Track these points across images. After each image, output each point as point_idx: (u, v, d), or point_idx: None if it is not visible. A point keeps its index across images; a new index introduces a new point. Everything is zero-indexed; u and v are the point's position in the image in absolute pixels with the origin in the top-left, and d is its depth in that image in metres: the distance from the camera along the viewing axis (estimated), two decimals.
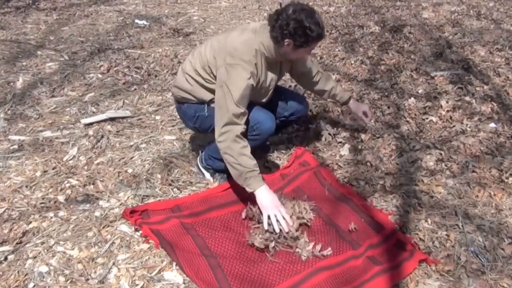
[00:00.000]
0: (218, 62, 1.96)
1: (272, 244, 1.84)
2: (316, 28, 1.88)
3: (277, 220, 1.88)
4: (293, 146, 2.59)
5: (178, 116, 2.41)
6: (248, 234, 1.91)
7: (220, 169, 2.24)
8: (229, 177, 2.30)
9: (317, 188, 2.24)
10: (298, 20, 1.86)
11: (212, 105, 2.09)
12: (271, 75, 2.10)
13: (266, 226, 1.89)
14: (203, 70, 2.04)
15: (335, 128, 2.74)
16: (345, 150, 2.55)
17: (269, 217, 1.89)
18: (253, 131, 2.05)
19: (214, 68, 1.99)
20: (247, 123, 2.00)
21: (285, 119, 2.38)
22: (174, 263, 1.81)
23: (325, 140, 2.65)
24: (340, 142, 2.63)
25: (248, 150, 1.92)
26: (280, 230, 1.88)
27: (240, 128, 1.91)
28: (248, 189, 1.93)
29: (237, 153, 1.89)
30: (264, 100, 2.17)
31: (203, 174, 2.34)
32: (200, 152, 2.38)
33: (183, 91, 2.15)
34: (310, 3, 5.34)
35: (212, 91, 2.05)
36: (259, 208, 1.97)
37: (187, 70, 2.11)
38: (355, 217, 2.05)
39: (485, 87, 3.21)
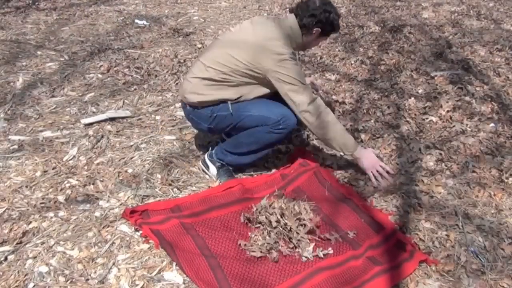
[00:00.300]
0: (263, 61, 2.04)
1: (273, 252, 1.84)
2: (338, 20, 2.18)
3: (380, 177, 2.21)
4: (293, 146, 2.59)
5: (185, 119, 2.41)
6: (245, 244, 1.89)
7: (230, 163, 2.30)
8: (232, 175, 2.32)
9: (317, 188, 2.24)
10: (327, 11, 2.11)
11: (235, 104, 2.14)
12: None
13: (375, 184, 2.23)
14: (235, 73, 2.08)
15: None
16: None
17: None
18: (279, 125, 2.11)
19: (254, 67, 2.06)
20: (269, 119, 2.11)
21: None
22: (174, 263, 1.81)
23: None
24: None
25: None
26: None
27: (318, 97, 2.15)
28: (347, 153, 2.21)
29: (334, 122, 2.14)
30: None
31: (207, 167, 2.34)
32: (210, 149, 2.39)
33: (203, 95, 2.14)
34: None
35: (243, 89, 2.13)
36: (257, 209, 1.98)
37: (211, 75, 2.11)
38: (354, 217, 2.05)
39: (485, 87, 3.21)
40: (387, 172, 2.21)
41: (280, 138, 2.20)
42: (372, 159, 2.21)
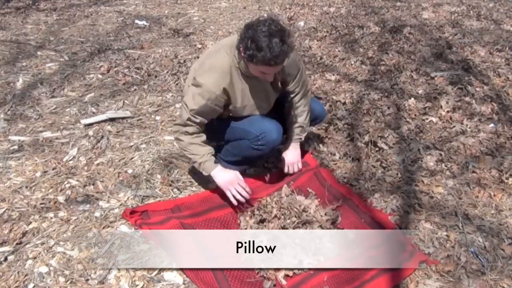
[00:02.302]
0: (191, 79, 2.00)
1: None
2: (266, 50, 1.71)
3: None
4: None
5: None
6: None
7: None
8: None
9: (317, 188, 2.24)
10: (256, 31, 1.74)
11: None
12: (259, 89, 2.03)
13: (234, 202, 2.01)
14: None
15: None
16: (344, 150, 2.55)
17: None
18: (258, 141, 2.03)
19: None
20: (250, 134, 2.03)
21: None
22: (174, 264, 1.80)
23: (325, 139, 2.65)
24: (340, 142, 2.63)
25: (199, 139, 1.99)
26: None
27: (193, 128, 1.97)
28: (204, 173, 2.03)
29: (186, 143, 1.99)
30: (264, 112, 2.13)
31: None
32: None
33: None
34: (310, 4, 5.35)
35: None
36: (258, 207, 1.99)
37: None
38: (355, 217, 2.05)
39: (485, 87, 3.21)
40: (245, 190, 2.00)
41: (260, 154, 2.11)
42: (229, 178, 1.99)
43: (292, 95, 2.17)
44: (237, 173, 2.03)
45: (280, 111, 2.24)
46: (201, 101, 1.91)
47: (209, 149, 2.01)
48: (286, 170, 2.29)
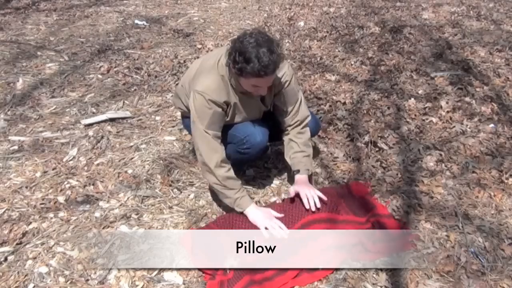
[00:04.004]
0: (191, 86, 1.94)
1: None
2: (254, 61, 1.66)
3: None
4: None
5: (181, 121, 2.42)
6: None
7: None
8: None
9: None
10: (242, 43, 1.69)
11: None
12: (253, 105, 2.00)
13: (266, 236, 1.83)
14: (187, 85, 2.04)
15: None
16: (344, 150, 2.55)
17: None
18: (243, 144, 2.00)
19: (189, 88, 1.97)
20: (235, 137, 2.00)
21: None
22: (174, 264, 1.81)
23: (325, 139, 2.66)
24: (340, 142, 2.63)
25: (232, 172, 1.92)
26: None
27: (219, 155, 1.87)
28: (238, 209, 1.91)
29: (222, 178, 1.88)
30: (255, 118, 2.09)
31: None
32: None
33: (178, 99, 2.16)
34: (310, 4, 5.35)
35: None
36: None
37: (180, 105, 2.15)
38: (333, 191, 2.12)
39: (485, 87, 3.21)
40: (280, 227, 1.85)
41: (247, 158, 2.08)
42: (264, 215, 1.87)
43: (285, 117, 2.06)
44: (270, 209, 1.92)
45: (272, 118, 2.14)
46: (207, 107, 1.83)
47: (241, 184, 1.94)
48: (306, 205, 1.93)
